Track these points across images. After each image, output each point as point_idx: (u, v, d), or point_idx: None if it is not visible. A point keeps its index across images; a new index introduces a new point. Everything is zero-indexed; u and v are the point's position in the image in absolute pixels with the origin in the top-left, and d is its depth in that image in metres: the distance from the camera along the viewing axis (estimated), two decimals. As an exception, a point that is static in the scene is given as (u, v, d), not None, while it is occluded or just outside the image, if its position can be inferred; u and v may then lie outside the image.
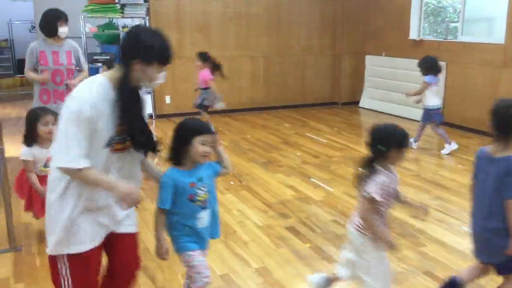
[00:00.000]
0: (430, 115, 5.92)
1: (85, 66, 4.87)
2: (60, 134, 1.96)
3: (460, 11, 7.35)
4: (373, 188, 2.34)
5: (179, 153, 2.33)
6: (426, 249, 3.46)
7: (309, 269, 3.21)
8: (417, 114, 7.68)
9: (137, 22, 8.21)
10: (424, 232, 3.73)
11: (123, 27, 8.33)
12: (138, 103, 2.09)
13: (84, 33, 7.31)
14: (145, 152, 2.17)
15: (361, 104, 9.04)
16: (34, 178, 3.34)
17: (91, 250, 2.11)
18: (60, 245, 2.06)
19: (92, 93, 1.95)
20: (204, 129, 2.32)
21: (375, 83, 8.73)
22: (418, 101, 6.07)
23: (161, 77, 2.05)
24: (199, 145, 2.28)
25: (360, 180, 2.43)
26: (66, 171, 1.96)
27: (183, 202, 2.32)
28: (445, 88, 7.42)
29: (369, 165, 2.41)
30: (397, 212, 4.10)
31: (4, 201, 3.40)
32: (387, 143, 2.36)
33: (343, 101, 9.19)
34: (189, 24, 7.99)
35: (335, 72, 9.18)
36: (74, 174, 1.96)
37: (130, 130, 2.02)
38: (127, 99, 1.99)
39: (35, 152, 3.34)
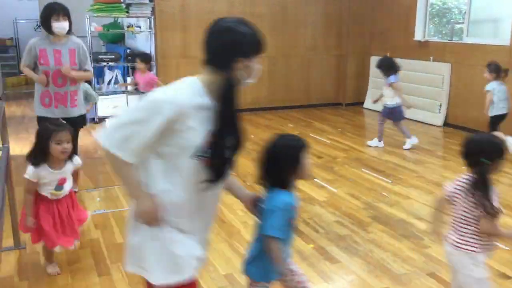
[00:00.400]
0: (390, 113, 6.11)
1: (90, 66, 4.38)
2: (123, 112, 1.76)
3: (465, 12, 7.33)
4: (496, 202, 2.28)
5: (288, 174, 2.13)
6: (430, 251, 3.45)
7: (312, 270, 3.21)
8: (424, 116, 7.69)
9: (142, 21, 8.23)
10: (428, 233, 3.72)
11: (128, 27, 8.36)
12: (237, 110, 1.82)
13: (89, 32, 7.33)
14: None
15: (365, 105, 9.02)
16: (29, 201, 2.94)
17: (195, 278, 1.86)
18: (163, 275, 1.81)
19: (178, 94, 1.73)
20: (305, 141, 2.15)
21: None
22: (376, 101, 6.41)
23: (259, 67, 1.82)
24: (307, 160, 2.11)
25: (478, 198, 2.28)
26: (103, 149, 1.73)
27: (286, 227, 2.13)
28: (449, 89, 7.40)
29: (481, 181, 2.27)
30: (401, 213, 4.10)
31: (9, 199, 3.41)
32: (491, 155, 2.27)
33: (348, 101, 9.18)
34: (194, 23, 8.00)
35: (340, 73, 9.17)
36: (109, 158, 1.75)
37: (221, 143, 1.77)
38: (228, 108, 1.76)
39: (43, 173, 2.91)
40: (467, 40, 7.25)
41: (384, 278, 3.10)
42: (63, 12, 4.03)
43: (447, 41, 7.58)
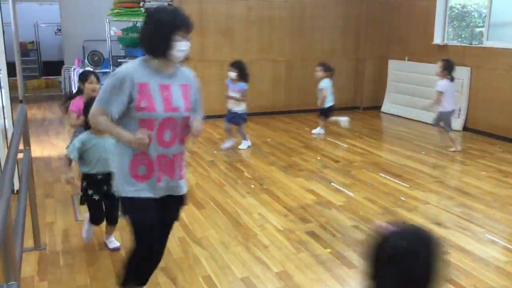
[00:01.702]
0: (240, 118, 6.26)
1: (202, 111, 2.67)
2: None
3: (485, 15, 7.25)
4: None
5: None
6: (448, 257, 3.41)
7: (329, 274, 3.19)
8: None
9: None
10: (447, 239, 3.68)
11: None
12: None
13: (109, 36, 7.43)
14: None
15: (383, 109, 8.97)
16: None
17: None
18: None
19: None
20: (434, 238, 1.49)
21: (398, 88, 8.65)
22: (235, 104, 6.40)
23: None
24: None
25: None
26: None
27: None
28: (469, 93, 7.32)
29: None
30: (419, 218, 4.06)
31: (30, 200, 3.46)
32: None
33: (365, 105, 9.14)
34: (212, 27, 8.04)
35: (358, 77, 9.14)
36: None
37: None
38: None
39: None
40: (487, 43, 7.17)
41: (402, 284, 3.08)
42: (187, 26, 2.51)
43: (467, 44, 7.50)
